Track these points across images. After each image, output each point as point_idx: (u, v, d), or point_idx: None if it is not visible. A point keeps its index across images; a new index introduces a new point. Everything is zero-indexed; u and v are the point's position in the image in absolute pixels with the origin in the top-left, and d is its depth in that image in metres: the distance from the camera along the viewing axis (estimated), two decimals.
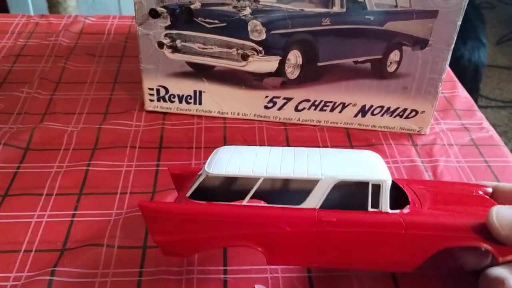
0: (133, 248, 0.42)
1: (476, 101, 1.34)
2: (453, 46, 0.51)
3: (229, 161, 0.37)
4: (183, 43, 0.54)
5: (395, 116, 0.56)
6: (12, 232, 0.43)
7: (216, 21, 0.52)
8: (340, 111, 0.56)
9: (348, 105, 0.56)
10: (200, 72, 0.56)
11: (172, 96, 0.57)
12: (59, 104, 0.60)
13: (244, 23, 0.52)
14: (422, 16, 0.50)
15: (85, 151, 0.52)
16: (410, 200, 0.36)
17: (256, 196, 0.35)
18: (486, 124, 0.59)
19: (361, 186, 0.35)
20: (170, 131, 0.56)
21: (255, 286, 0.39)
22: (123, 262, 0.41)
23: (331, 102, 0.56)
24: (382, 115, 0.56)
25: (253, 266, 0.41)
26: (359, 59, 0.53)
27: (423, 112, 0.55)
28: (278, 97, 0.56)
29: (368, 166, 0.36)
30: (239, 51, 0.53)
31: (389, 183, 0.34)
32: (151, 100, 0.58)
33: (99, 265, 0.40)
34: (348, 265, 0.36)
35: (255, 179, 0.35)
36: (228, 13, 0.51)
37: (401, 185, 0.39)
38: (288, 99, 0.56)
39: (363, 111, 0.56)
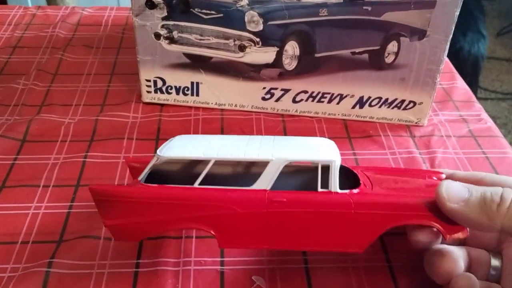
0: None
1: (475, 93, 1.34)
2: (451, 36, 0.51)
3: (181, 146, 0.37)
4: (180, 34, 0.54)
5: (393, 108, 0.56)
6: (9, 224, 0.43)
7: (213, 12, 0.52)
8: (338, 103, 0.56)
9: (345, 96, 0.56)
10: (197, 63, 0.55)
11: (169, 88, 0.57)
12: (56, 95, 0.59)
13: (241, 14, 0.51)
14: (420, 7, 0.50)
15: (82, 142, 0.52)
16: (361, 182, 0.37)
17: (207, 180, 0.35)
18: (484, 115, 0.59)
19: (311, 168, 0.35)
20: (167, 123, 0.56)
21: (252, 277, 0.39)
22: (120, 253, 0.41)
23: (328, 93, 0.56)
24: (380, 106, 0.56)
25: (250, 257, 0.41)
26: (357, 50, 0.53)
27: (421, 103, 0.55)
28: (276, 89, 0.56)
29: (319, 149, 0.37)
30: (236, 42, 0.53)
31: (338, 163, 0.35)
32: (148, 92, 0.58)
33: (96, 257, 0.40)
34: (299, 246, 0.36)
35: (206, 162, 0.35)
36: (225, 3, 0.51)
37: (355, 171, 0.39)
38: (286, 91, 0.56)
39: (360, 103, 0.56)
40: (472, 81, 1.28)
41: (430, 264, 0.37)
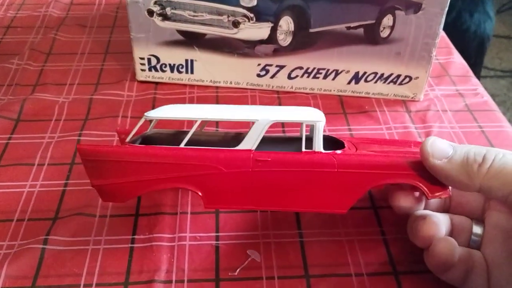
0: (125, 216, 0.42)
1: (479, 73, 1.32)
2: (446, 9, 0.50)
3: (169, 109, 0.38)
4: (173, 11, 0.53)
5: (388, 83, 0.56)
6: (4, 202, 0.43)
7: None
8: (333, 78, 0.56)
9: (341, 72, 0.55)
10: (191, 40, 0.55)
11: (163, 66, 0.57)
12: (50, 75, 0.59)
13: None
14: None
15: (77, 121, 0.52)
16: (345, 146, 0.37)
17: (194, 144, 0.36)
18: (481, 89, 0.58)
19: (297, 138, 0.36)
20: (162, 101, 0.55)
21: (248, 251, 0.40)
22: (116, 229, 0.41)
23: (324, 69, 0.55)
24: (376, 81, 0.56)
25: (245, 232, 0.41)
26: (352, 25, 0.52)
27: (417, 78, 0.55)
28: (271, 65, 0.56)
29: (304, 113, 0.37)
30: (230, 18, 0.52)
31: (323, 124, 0.35)
32: (142, 70, 0.57)
33: (92, 233, 0.41)
34: (284, 206, 0.37)
35: (193, 122, 0.36)
36: None
37: (342, 140, 0.39)
38: (281, 67, 0.56)
39: (356, 78, 0.56)
40: (476, 62, 1.27)
41: (412, 228, 0.37)
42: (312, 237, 0.41)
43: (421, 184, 0.35)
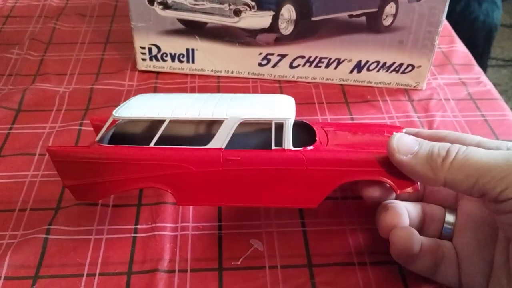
0: (127, 206, 0.42)
1: (486, 63, 1.31)
2: None
3: (137, 106, 0.37)
4: None
5: (391, 72, 0.55)
6: (6, 192, 0.43)
7: None
8: (336, 67, 0.56)
9: (343, 61, 0.55)
10: (192, 29, 0.54)
11: (164, 55, 0.56)
12: (51, 65, 0.59)
13: None
14: None
15: (78, 111, 0.52)
16: (317, 139, 0.37)
17: (164, 140, 0.36)
18: (483, 78, 0.58)
19: (267, 127, 0.36)
20: (163, 90, 0.55)
21: (250, 240, 0.40)
22: (118, 219, 0.41)
23: (326, 58, 0.55)
24: (378, 70, 0.55)
25: (248, 221, 0.41)
26: (354, 13, 0.52)
27: (419, 66, 0.54)
28: (272, 54, 0.55)
29: (274, 107, 0.37)
30: (231, 7, 0.52)
31: (291, 121, 0.35)
32: (143, 60, 0.57)
33: (94, 223, 0.40)
34: (254, 202, 0.37)
35: (161, 122, 0.35)
36: None
37: (314, 127, 0.39)
38: (283, 56, 0.55)
39: (358, 67, 0.55)
40: (484, 51, 1.26)
41: (377, 218, 0.37)
42: (314, 227, 0.41)
43: (389, 181, 0.35)
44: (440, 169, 0.32)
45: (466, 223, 0.36)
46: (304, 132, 0.38)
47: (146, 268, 0.37)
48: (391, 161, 0.34)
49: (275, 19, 0.53)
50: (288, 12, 0.52)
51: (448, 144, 0.33)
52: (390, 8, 0.51)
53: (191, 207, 0.42)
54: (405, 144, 0.34)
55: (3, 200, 0.42)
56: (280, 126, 0.35)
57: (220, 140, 0.35)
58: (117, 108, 0.37)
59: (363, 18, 0.52)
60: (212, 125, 0.40)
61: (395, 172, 0.35)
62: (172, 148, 0.35)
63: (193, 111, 0.35)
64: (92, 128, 0.49)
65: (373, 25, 0.52)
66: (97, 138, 0.36)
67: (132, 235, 0.40)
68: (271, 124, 0.35)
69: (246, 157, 0.35)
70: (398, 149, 0.33)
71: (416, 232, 0.35)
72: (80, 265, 0.38)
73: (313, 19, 0.53)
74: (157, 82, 0.56)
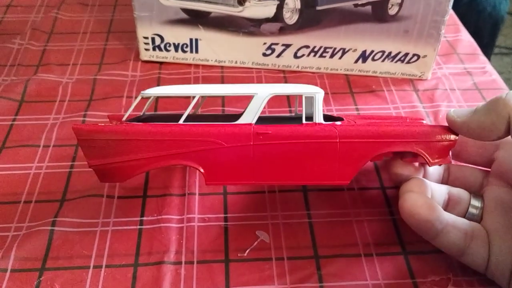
0: (133, 198, 0.42)
1: (491, 53, 1.30)
2: None
3: (166, 88, 0.37)
4: None
5: (396, 61, 0.55)
6: (11, 184, 0.43)
7: None
8: (340, 57, 0.55)
9: (348, 50, 0.54)
10: (196, 19, 0.54)
11: (167, 45, 0.56)
12: (53, 55, 0.58)
13: None
14: None
15: (81, 102, 0.52)
16: (344, 119, 0.37)
17: (192, 120, 0.35)
18: (489, 67, 0.58)
19: (296, 117, 0.36)
20: (167, 81, 0.55)
21: (256, 232, 0.40)
22: (124, 211, 0.41)
23: (330, 48, 0.55)
24: (383, 60, 0.55)
25: (254, 213, 0.41)
26: (360, 2, 0.51)
27: (425, 56, 0.54)
28: (277, 44, 0.55)
29: (302, 86, 0.37)
30: None
31: (322, 95, 0.35)
32: (146, 50, 0.56)
33: (100, 215, 0.40)
34: (286, 180, 0.36)
35: (191, 98, 0.35)
36: None
37: (339, 116, 0.39)
38: (287, 46, 0.55)
39: (363, 57, 0.55)
40: (489, 42, 1.26)
41: (399, 192, 0.37)
42: (321, 218, 0.41)
43: (422, 151, 0.35)
44: (503, 107, 0.32)
45: (496, 206, 0.36)
46: (330, 119, 0.38)
47: (152, 260, 0.37)
48: (454, 129, 0.35)
49: (280, 8, 0.52)
50: (292, 1, 0.52)
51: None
52: None
53: (196, 197, 0.42)
54: (462, 110, 0.35)
55: (8, 192, 0.42)
56: (310, 101, 0.35)
57: (250, 115, 0.34)
58: (144, 90, 0.37)
59: (369, 7, 0.52)
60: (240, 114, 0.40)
61: (427, 144, 0.35)
62: (202, 124, 0.35)
63: (224, 89, 0.35)
64: (96, 119, 0.49)
65: (378, 14, 0.52)
66: (124, 118, 0.36)
67: (138, 227, 0.40)
68: (299, 115, 0.35)
69: (277, 131, 0.34)
70: (457, 115, 0.35)
71: (437, 204, 0.35)
72: (87, 257, 0.37)
73: (318, 8, 0.52)
74: (161, 72, 0.56)
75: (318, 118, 0.35)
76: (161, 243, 0.38)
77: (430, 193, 0.36)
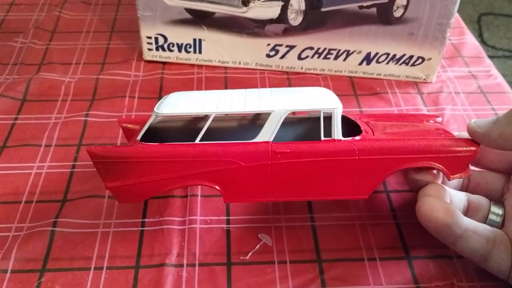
0: None
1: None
2: None
3: (179, 103, 0.36)
4: None
5: (400, 64, 0.54)
6: (12, 183, 0.43)
7: None
8: (345, 59, 0.55)
9: (352, 52, 0.54)
10: (200, 19, 0.54)
11: (171, 45, 0.56)
12: (56, 54, 0.58)
13: None
14: None
15: (83, 101, 0.51)
16: (362, 129, 0.36)
17: (208, 135, 0.35)
18: (494, 71, 0.57)
19: (311, 118, 0.36)
20: (170, 81, 0.55)
21: (259, 235, 0.39)
22: (125, 212, 0.40)
23: (335, 49, 0.54)
24: (388, 62, 0.54)
25: (256, 215, 0.41)
26: (365, 4, 0.51)
27: (429, 59, 0.53)
28: (281, 45, 0.54)
29: (318, 98, 0.36)
30: None
31: (340, 111, 0.34)
32: (149, 49, 0.56)
33: (101, 216, 0.40)
34: (304, 196, 0.36)
35: (205, 117, 0.34)
36: None
37: (353, 119, 0.39)
38: (291, 47, 0.55)
39: (368, 59, 0.54)
40: None
41: (418, 198, 0.36)
42: (324, 221, 0.40)
43: (441, 167, 0.35)
44: None
45: None
46: (345, 125, 0.37)
47: (154, 262, 0.37)
48: (476, 140, 0.35)
49: (284, 9, 0.52)
50: (297, 2, 0.51)
51: None
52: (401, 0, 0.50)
53: (198, 199, 0.42)
54: (483, 120, 0.35)
55: (9, 192, 0.42)
56: (328, 117, 0.34)
57: (267, 133, 0.34)
58: (157, 105, 0.36)
59: (374, 10, 0.51)
60: (255, 117, 0.39)
61: (447, 158, 0.35)
62: (219, 144, 0.34)
63: (238, 105, 0.34)
64: (98, 119, 0.49)
65: (383, 16, 0.51)
66: (139, 137, 0.35)
67: (140, 228, 0.39)
68: (316, 115, 0.34)
69: (296, 150, 0.34)
70: (478, 126, 0.35)
71: (455, 209, 0.34)
72: (88, 259, 0.37)
73: (323, 9, 0.52)
74: (164, 72, 0.56)
75: (337, 134, 0.34)
76: (163, 245, 0.38)
77: (449, 199, 0.36)
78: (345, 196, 0.36)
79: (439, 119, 0.41)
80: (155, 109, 0.35)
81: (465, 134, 0.37)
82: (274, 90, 0.37)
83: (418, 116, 0.42)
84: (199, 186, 0.42)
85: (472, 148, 0.35)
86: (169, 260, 0.37)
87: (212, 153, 0.34)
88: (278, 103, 0.35)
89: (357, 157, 0.34)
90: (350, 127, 0.38)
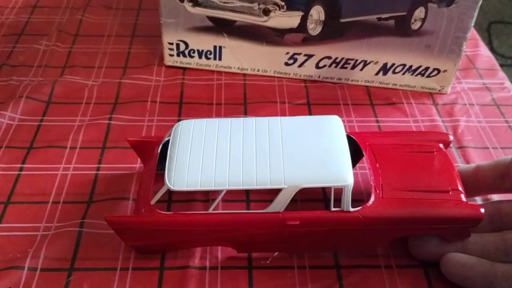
0: (160, 202, 0.43)
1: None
2: (480, 3, 0.50)
3: (189, 170, 0.36)
4: None
5: (416, 75, 0.56)
6: (40, 184, 0.44)
7: None
8: (361, 69, 0.56)
9: (369, 63, 0.55)
10: (221, 27, 0.55)
11: (191, 51, 0.57)
12: (78, 57, 0.59)
13: None
14: None
15: (106, 105, 0.53)
16: (373, 186, 0.38)
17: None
18: (507, 83, 0.58)
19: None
20: (190, 87, 0.56)
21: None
22: None
23: (352, 59, 0.55)
24: (404, 73, 0.56)
25: None
26: (383, 16, 0.52)
27: (445, 71, 0.55)
28: (299, 54, 0.56)
29: (332, 167, 0.36)
30: (260, 6, 0.52)
31: (351, 186, 0.35)
32: (170, 55, 0.57)
33: None
34: (312, 251, 0.40)
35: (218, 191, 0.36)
36: None
37: (361, 146, 0.41)
38: (309, 56, 0.56)
39: (384, 69, 0.56)
40: None
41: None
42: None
43: (446, 235, 0.37)
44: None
45: None
46: (351, 145, 0.40)
47: (177, 264, 0.38)
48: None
49: (304, 19, 0.53)
50: (317, 13, 0.53)
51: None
52: (419, 12, 0.51)
53: (220, 203, 0.43)
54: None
55: (37, 192, 0.43)
56: (339, 189, 0.36)
57: (278, 205, 0.36)
58: (167, 169, 0.36)
59: (392, 21, 0.52)
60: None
61: (454, 229, 0.37)
62: (232, 213, 0.37)
63: (250, 177, 0.35)
64: (121, 123, 0.50)
65: (401, 28, 0.53)
66: (152, 202, 0.37)
67: None
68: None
69: (305, 220, 0.36)
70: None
71: (476, 259, 0.36)
72: (114, 259, 0.38)
73: (342, 20, 0.53)
74: (184, 78, 0.57)
75: (346, 207, 0.36)
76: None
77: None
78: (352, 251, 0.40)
79: (451, 138, 0.42)
80: (167, 179, 0.35)
81: (472, 165, 0.40)
82: (285, 143, 0.38)
83: (429, 138, 0.42)
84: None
85: (481, 212, 0.36)
86: (192, 262, 0.38)
87: (225, 222, 0.36)
88: (290, 175, 0.36)
89: (364, 228, 0.36)
90: (354, 150, 0.40)
